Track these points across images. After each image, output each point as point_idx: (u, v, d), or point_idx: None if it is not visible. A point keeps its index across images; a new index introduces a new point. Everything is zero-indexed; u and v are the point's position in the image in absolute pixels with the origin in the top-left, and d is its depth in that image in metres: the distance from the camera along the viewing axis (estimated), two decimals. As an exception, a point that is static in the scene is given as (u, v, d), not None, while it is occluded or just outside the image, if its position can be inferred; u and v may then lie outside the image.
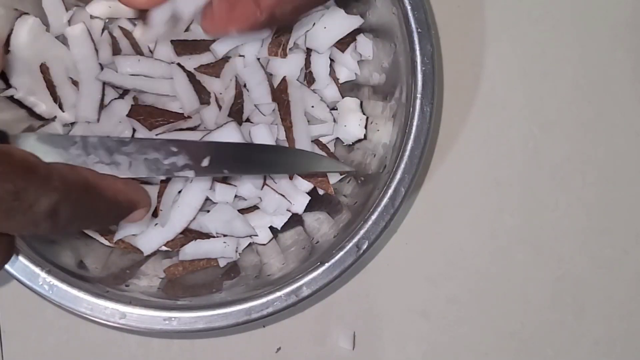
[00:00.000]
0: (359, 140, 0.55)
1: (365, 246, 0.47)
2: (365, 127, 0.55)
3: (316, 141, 0.55)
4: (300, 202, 0.54)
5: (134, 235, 0.53)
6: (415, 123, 0.47)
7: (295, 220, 0.55)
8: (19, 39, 0.52)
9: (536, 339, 0.58)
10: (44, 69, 0.53)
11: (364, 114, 0.55)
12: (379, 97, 0.53)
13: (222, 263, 0.53)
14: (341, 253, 0.47)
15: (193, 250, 0.53)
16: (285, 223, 0.55)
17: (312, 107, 0.54)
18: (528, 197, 0.59)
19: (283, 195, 0.53)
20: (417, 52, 0.47)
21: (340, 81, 0.56)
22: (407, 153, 0.47)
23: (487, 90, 0.59)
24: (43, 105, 0.53)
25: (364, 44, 0.54)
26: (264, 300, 0.46)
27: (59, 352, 0.56)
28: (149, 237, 0.52)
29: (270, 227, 0.55)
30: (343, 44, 0.54)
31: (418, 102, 0.47)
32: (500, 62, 0.59)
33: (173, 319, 0.46)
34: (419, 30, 0.47)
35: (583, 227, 0.59)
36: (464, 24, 0.59)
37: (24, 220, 0.33)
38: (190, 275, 0.53)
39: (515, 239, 0.59)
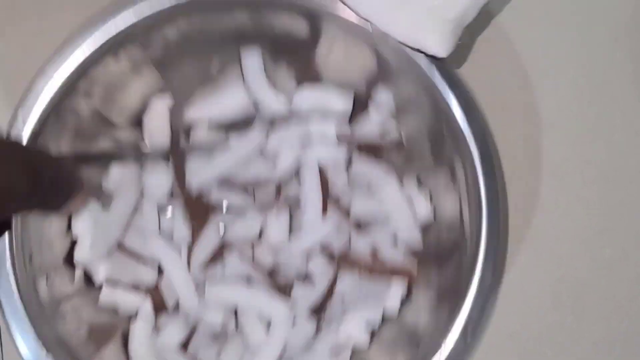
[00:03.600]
0: None
1: None
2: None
3: None
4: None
5: None
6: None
7: None
8: None
9: (536, 339, 0.58)
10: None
11: None
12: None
13: None
14: None
15: None
16: None
17: None
18: (528, 197, 0.59)
19: None
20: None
21: None
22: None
23: (488, 90, 0.59)
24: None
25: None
26: None
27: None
28: None
29: None
30: None
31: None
32: (500, 61, 0.59)
33: None
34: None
35: (583, 227, 0.59)
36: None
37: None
38: None
39: (516, 239, 0.58)
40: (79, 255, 0.52)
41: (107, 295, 0.53)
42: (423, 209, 0.55)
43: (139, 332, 0.53)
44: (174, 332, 0.53)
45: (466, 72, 0.52)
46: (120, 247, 0.54)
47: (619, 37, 0.60)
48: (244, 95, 0.54)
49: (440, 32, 0.48)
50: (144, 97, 0.54)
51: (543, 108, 0.59)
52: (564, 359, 0.58)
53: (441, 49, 0.49)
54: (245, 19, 0.51)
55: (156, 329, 0.54)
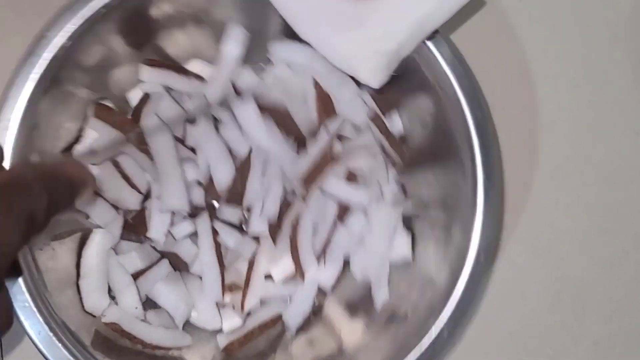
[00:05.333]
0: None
1: None
2: None
3: None
4: None
5: None
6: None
7: None
8: None
9: (536, 339, 0.58)
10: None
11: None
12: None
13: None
14: None
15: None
16: None
17: None
18: (528, 197, 0.59)
19: None
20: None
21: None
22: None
23: (488, 91, 0.59)
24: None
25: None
26: None
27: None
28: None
29: None
30: None
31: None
32: (500, 62, 0.59)
33: None
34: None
35: (583, 227, 0.59)
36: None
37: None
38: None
39: (516, 239, 0.59)
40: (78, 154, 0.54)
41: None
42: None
43: (99, 242, 0.55)
44: (134, 259, 0.55)
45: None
46: (115, 164, 0.55)
47: (618, 36, 0.60)
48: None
49: (374, 64, 0.49)
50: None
51: (543, 108, 0.59)
52: (564, 358, 0.58)
53: (373, 80, 0.50)
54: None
55: (116, 250, 0.55)
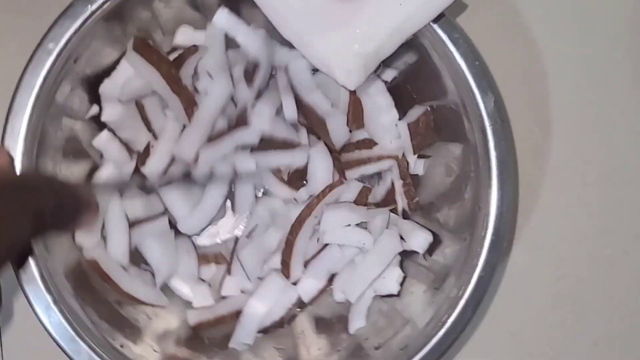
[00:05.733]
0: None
1: None
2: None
3: None
4: None
5: None
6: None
7: None
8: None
9: (536, 339, 0.58)
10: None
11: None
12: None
13: None
14: None
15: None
16: None
17: None
18: (528, 197, 0.59)
19: None
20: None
21: None
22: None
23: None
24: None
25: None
26: None
27: (59, 352, 0.56)
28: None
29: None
30: None
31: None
32: (501, 62, 0.59)
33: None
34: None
35: (583, 227, 0.59)
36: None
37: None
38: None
39: (516, 239, 0.59)
40: (106, 87, 0.54)
41: (102, 139, 0.55)
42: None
43: (108, 178, 0.55)
44: (136, 207, 0.55)
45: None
46: (139, 105, 0.55)
47: (618, 36, 0.60)
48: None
49: (351, 65, 0.49)
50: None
51: (543, 108, 0.59)
52: (564, 358, 0.59)
53: (349, 82, 0.50)
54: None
55: (122, 194, 0.55)
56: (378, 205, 0.56)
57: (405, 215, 0.56)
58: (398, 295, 0.54)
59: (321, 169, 0.55)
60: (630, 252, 0.59)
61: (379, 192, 0.57)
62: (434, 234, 0.54)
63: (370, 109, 0.55)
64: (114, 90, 0.54)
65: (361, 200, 0.55)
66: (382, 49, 0.49)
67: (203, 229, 0.57)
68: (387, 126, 0.55)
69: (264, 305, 0.54)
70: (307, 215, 0.54)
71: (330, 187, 0.54)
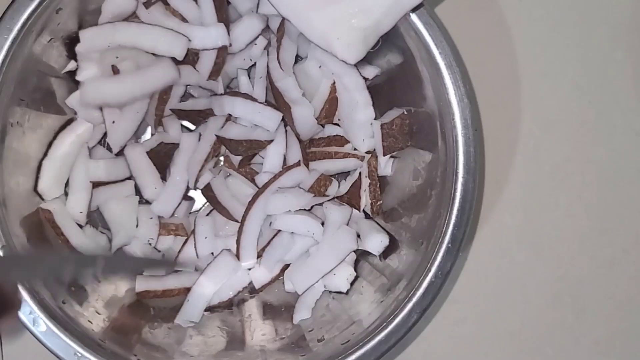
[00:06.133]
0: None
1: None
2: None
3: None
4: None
5: None
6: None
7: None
8: None
9: (536, 339, 0.59)
10: None
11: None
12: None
13: None
14: None
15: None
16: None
17: None
18: (528, 197, 0.59)
19: None
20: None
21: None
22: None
23: (488, 90, 0.59)
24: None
25: None
26: None
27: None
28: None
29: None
30: None
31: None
32: (501, 62, 0.59)
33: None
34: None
35: (583, 227, 0.59)
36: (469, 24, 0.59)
37: None
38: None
39: (515, 239, 0.59)
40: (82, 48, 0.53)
41: (75, 98, 0.54)
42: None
43: (80, 134, 0.55)
44: (99, 169, 0.55)
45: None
46: (114, 69, 0.54)
47: (618, 36, 0.60)
48: None
49: (351, 39, 0.49)
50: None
51: (543, 108, 0.59)
52: (564, 358, 0.59)
53: (349, 56, 0.49)
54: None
55: (91, 153, 0.55)
56: (341, 198, 0.56)
57: (367, 216, 0.56)
58: (346, 293, 0.54)
59: (275, 153, 0.55)
60: (630, 252, 0.59)
61: (344, 185, 0.56)
62: (393, 238, 0.54)
63: (348, 104, 0.55)
64: (91, 50, 0.53)
65: (318, 188, 0.55)
66: (381, 24, 0.49)
67: (175, 209, 0.57)
68: (361, 124, 0.55)
69: (213, 284, 0.54)
70: (256, 197, 0.54)
71: (285, 170, 0.54)
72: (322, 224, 0.53)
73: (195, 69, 0.55)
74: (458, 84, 0.48)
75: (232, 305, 0.56)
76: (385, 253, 0.53)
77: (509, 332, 0.58)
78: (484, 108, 0.58)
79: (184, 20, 0.54)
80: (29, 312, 0.46)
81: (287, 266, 0.55)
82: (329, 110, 0.55)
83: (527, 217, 0.59)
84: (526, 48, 0.59)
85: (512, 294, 0.58)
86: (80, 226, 0.54)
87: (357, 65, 0.52)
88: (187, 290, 0.54)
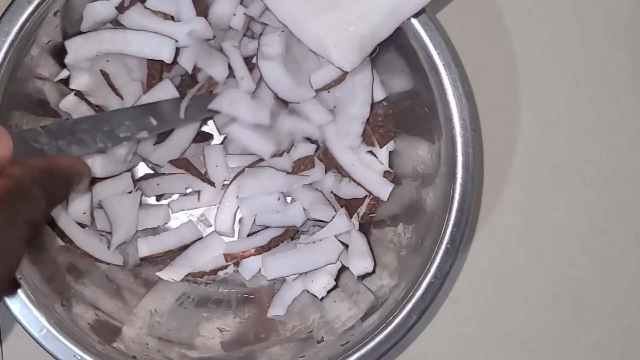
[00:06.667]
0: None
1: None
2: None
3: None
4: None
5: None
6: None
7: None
8: None
9: (536, 339, 0.59)
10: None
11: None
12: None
13: None
14: None
15: None
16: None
17: None
18: (528, 197, 0.59)
19: None
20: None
21: None
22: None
23: (488, 90, 0.59)
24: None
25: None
26: None
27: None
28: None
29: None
30: None
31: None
32: (501, 62, 0.59)
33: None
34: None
35: (583, 227, 0.59)
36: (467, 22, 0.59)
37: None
38: None
39: (515, 239, 0.59)
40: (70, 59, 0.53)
41: (69, 102, 0.55)
42: None
43: None
44: (95, 165, 0.55)
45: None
46: (103, 73, 0.55)
47: (618, 36, 0.59)
48: None
49: (347, 47, 0.49)
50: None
51: (543, 108, 0.59)
52: (564, 358, 0.59)
53: (345, 63, 0.49)
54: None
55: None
56: (339, 200, 0.56)
57: (362, 227, 0.56)
58: (321, 300, 0.55)
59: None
60: (630, 252, 0.59)
61: (348, 188, 0.56)
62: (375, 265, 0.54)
63: (349, 93, 0.54)
64: (78, 60, 0.53)
65: (298, 168, 0.55)
66: (378, 32, 0.49)
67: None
68: (351, 117, 0.54)
69: (202, 256, 0.56)
70: (240, 173, 0.55)
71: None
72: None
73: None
74: (456, 84, 0.48)
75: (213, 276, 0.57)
76: (364, 276, 0.54)
77: (509, 332, 0.58)
78: (483, 108, 0.58)
79: (166, 18, 0.54)
80: (28, 314, 0.46)
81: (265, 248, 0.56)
82: (331, 85, 0.54)
83: (527, 217, 0.59)
84: (526, 48, 0.59)
85: (512, 294, 0.58)
86: (81, 225, 0.54)
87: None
88: (184, 248, 0.56)
